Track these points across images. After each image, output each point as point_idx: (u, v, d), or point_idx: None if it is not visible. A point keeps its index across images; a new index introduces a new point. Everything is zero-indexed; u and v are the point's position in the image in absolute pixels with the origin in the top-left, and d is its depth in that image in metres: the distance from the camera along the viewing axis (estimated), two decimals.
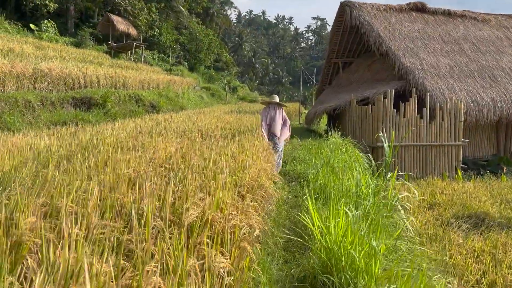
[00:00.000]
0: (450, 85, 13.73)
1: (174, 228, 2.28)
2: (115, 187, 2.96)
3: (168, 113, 13.94)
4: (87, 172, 3.44)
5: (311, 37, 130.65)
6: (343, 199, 4.85)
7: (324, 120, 20.14)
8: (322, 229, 3.25)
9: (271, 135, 8.45)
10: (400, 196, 5.25)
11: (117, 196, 2.65)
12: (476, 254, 6.34)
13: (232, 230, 2.50)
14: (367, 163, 9.76)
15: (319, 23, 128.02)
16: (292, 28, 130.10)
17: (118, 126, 8.38)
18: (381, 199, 5.24)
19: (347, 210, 3.34)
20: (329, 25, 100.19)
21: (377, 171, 8.14)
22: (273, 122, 8.52)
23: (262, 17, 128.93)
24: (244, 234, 2.55)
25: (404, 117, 12.57)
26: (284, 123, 8.58)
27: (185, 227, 2.26)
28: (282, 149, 8.66)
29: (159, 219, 2.31)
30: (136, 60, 32.27)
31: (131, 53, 32.67)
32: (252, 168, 4.04)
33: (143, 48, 33.94)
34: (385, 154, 8.38)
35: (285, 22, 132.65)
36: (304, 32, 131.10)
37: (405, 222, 4.90)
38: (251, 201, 3.37)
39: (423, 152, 12.61)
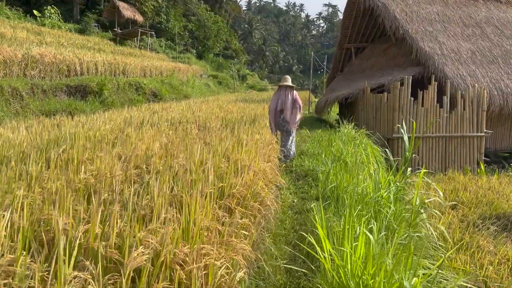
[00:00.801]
0: (472, 71, 12.70)
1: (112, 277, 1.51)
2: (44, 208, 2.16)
3: (170, 102, 13.16)
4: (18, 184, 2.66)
5: (322, 25, 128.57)
6: (359, 206, 4.03)
7: (335, 109, 19.17)
8: (334, 257, 2.43)
9: (282, 122, 7.71)
10: (427, 201, 4.41)
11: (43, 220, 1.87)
12: (510, 264, 5.50)
13: (205, 272, 1.72)
14: (384, 157, 8.90)
15: (330, 10, 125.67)
16: (303, 15, 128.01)
17: (107, 116, 7.62)
18: (404, 205, 4.41)
19: (367, 233, 2.52)
20: (341, 12, 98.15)
21: (395, 167, 7.27)
22: (285, 106, 7.74)
23: (272, 4, 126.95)
24: (224, 277, 1.77)
25: (422, 106, 11.64)
26: (294, 104, 7.77)
27: (127, 275, 1.48)
28: (294, 134, 7.93)
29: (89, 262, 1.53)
30: (142, 47, 31.47)
31: (137, 40, 31.86)
32: (246, 173, 3.22)
33: (149, 35, 33.08)
34: (404, 148, 7.52)
35: (296, 9, 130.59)
36: (315, 20, 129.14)
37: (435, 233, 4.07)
38: (241, 218, 2.57)
39: (442, 144, 11.68)
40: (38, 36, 14.47)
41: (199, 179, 2.78)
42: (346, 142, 8.84)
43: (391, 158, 7.50)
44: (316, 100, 25.36)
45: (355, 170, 5.72)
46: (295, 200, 4.76)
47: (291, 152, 8.01)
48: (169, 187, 2.65)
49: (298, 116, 7.83)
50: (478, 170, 11.32)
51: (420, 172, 5.82)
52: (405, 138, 7.64)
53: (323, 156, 6.65)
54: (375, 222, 3.56)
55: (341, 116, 12.76)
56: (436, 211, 5.07)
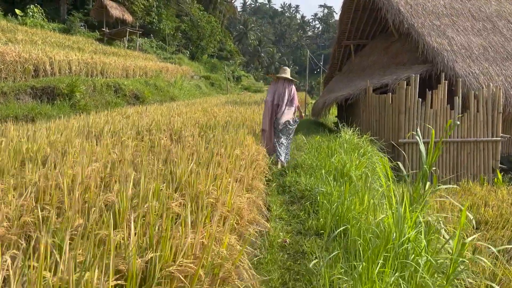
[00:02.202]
0: (485, 69, 11.51)
1: None
2: None
3: (151, 105, 11.88)
4: None
5: (318, 26, 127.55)
6: (380, 256, 2.79)
7: (333, 111, 17.92)
8: None
9: (276, 119, 6.89)
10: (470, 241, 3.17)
11: None
12: None
13: None
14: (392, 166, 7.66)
15: (326, 11, 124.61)
16: (298, 16, 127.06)
17: (61, 124, 6.35)
18: (437, 251, 3.17)
19: None
20: (337, 13, 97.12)
21: (409, 182, 6.07)
22: (281, 101, 6.92)
23: (267, 5, 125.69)
24: None
25: (431, 107, 10.44)
26: (290, 102, 7.01)
27: None
28: (290, 135, 7.15)
29: None
30: (132, 47, 30.18)
31: (125, 40, 30.57)
32: (208, 219, 1.97)
33: (138, 35, 31.80)
34: (414, 154, 6.30)
35: (291, 10, 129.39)
36: (310, 21, 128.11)
37: None
38: None
39: (453, 150, 10.47)
40: (7, 34, 13.16)
41: (107, 251, 1.53)
42: (348, 150, 7.61)
43: (404, 171, 6.28)
44: (313, 101, 24.11)
45: (364, 189, 4.46)
46: (287, 241, 3.51)
47: (283, 157, 6.98)
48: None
49: (290, 116, 7.00)
50: (495, 179, 10.10)
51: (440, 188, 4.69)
52: (422, 147, 6.42)
53: (322, 171, 5.38)
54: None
55: (341, 119, 11.55)
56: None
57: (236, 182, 2.99)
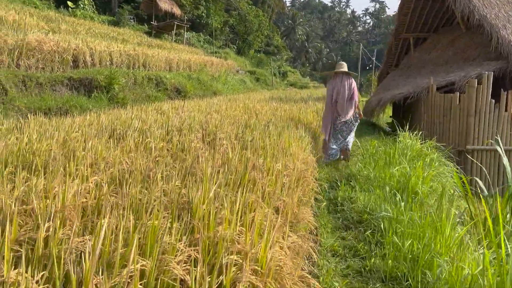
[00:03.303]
0: None
1: None
2: None
3: (192, 100, 11.23)
4: None
5: (368, 21, 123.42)
6: None
7: (387, 110, 16.51)
8: None
9: (335, 118, 6.77)
10: None
11: None
12: None
13: None
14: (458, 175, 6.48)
15: (377, 6, 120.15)
16: (348, 11, 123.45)
17: (88, 119, 5.72)
18: None
19: None
20: (388, 8, 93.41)
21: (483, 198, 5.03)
22: (341, 98, 6.67)
23: (317, 0, 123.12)
24: None
25: (506, 110, 9.07)
26: (351, 98, 6.75)
27: None
28: (349, 137, 6.97)
29: None
30: (179, 41, 30.00)
31: (174, 34, 30.46)
32: None
33: (186, 28, 31.62)
34: (506, 174, 5.15)
35: (341, 5, 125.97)
36: (361, 16, 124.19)
37: None
38: None
39: None
40: (51, 24, 12.97)
41: None
42: (410, 158, 6.51)
43: (485, 189, 5.13)
44: (364, 100, 22.69)
45: (443, 217, 3.42)
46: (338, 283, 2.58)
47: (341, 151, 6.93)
48: None
49: (351, 113, 6.77)
50: None
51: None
52: (505, 161, 5.24)
53: (386, 189, 4.37)
54: None
55: (396, 120, 10.35)
56: None
57: (276, 213, 2.13)
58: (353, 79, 6.85)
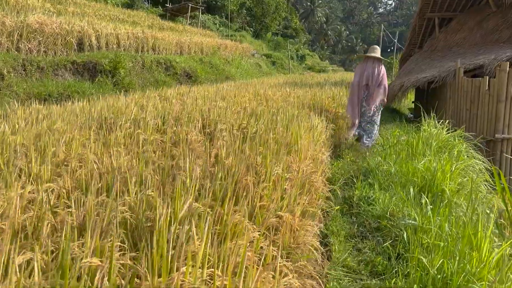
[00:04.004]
0: None
1: None
2: None
3: (203, 85, 10.71)
4: None
5: (390, 2, 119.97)
6: None
7: (409, 96, 15.65)
8: None
9: (367, 98, 6.83)
10: None
11: None
12: None
13: None
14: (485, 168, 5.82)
15: None
16: None
17: (82, 106, 5.27)
18: None
19: None
20: None
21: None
22: (371, 82, 6.73)
23: None
24: None
25: None
26: (379, 84, 6.84)
27: None
28: (374, 129, 7.02)
29: None
30: (194, 24, 29.37)
31: (188, 16, 29.85)
32: None
33: (201, 11, 30.94)
34: None
35: None
36: None
37: None
38: None
39: None
40: (57, 5, 12.54)
41: None
42: (436, 151, 5.88)
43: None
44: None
45: (478, 228, 2.84)
46: None
47: (366, 141, 6.96)
48: None
49: (378, 99, 6.88)
50: None
51: None
52: None
53: (410, 189, 3.78)
54: None
55: (420, 105, 9.61)
56: None
57: (270, 243, 1.60)
58: (383, 65, 6.87)
